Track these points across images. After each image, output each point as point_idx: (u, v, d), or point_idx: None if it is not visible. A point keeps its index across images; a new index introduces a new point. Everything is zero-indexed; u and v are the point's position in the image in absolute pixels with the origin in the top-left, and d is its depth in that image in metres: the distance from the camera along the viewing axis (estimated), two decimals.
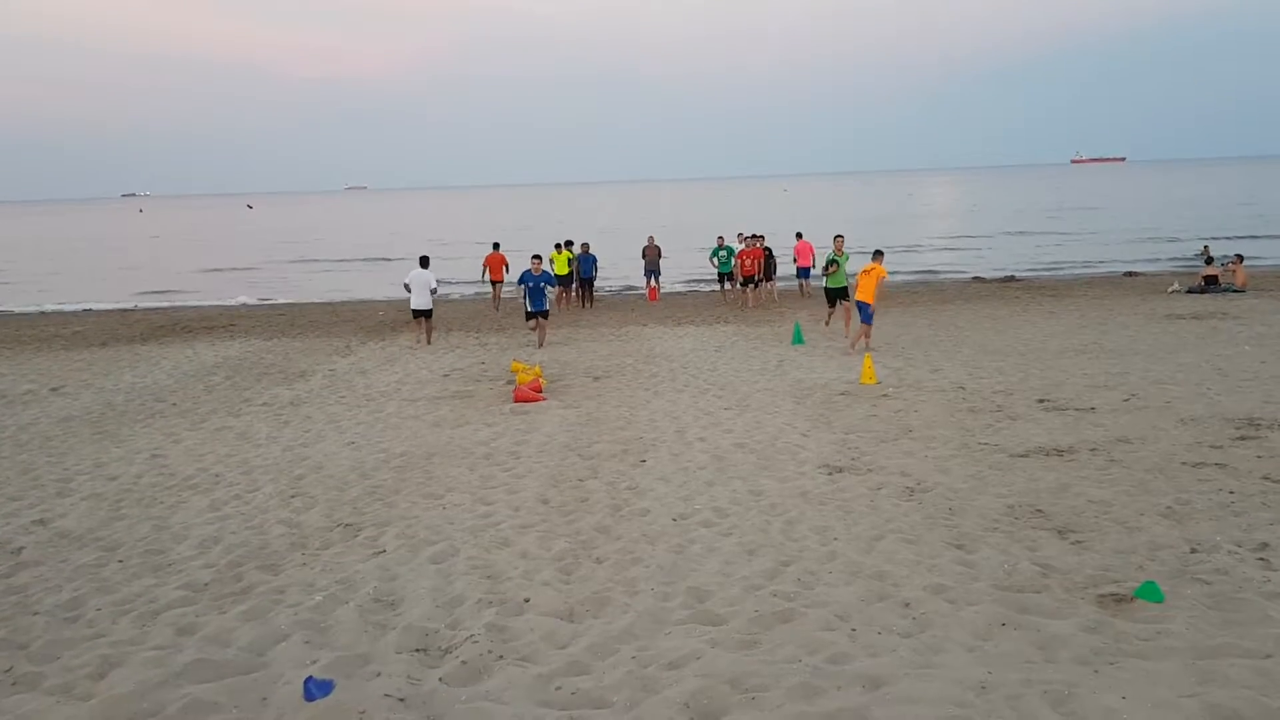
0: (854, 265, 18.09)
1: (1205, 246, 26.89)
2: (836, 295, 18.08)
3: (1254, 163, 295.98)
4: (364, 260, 47.71)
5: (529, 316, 17.62)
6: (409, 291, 18.70)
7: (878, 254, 16.71)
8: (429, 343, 18.71)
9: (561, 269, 25.06)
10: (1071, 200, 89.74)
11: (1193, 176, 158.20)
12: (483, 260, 25.30)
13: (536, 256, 17.96)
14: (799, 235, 26.73)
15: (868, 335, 16.28)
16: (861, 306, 16.03)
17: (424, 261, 19.13)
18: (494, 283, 24.94)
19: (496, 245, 25.57)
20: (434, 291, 18.71)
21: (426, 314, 18.65)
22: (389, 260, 46.53)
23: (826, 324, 18.81)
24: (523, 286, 17.50)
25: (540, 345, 17.43)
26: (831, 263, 17.85)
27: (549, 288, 17.65)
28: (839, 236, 18.60)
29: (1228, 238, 39.31)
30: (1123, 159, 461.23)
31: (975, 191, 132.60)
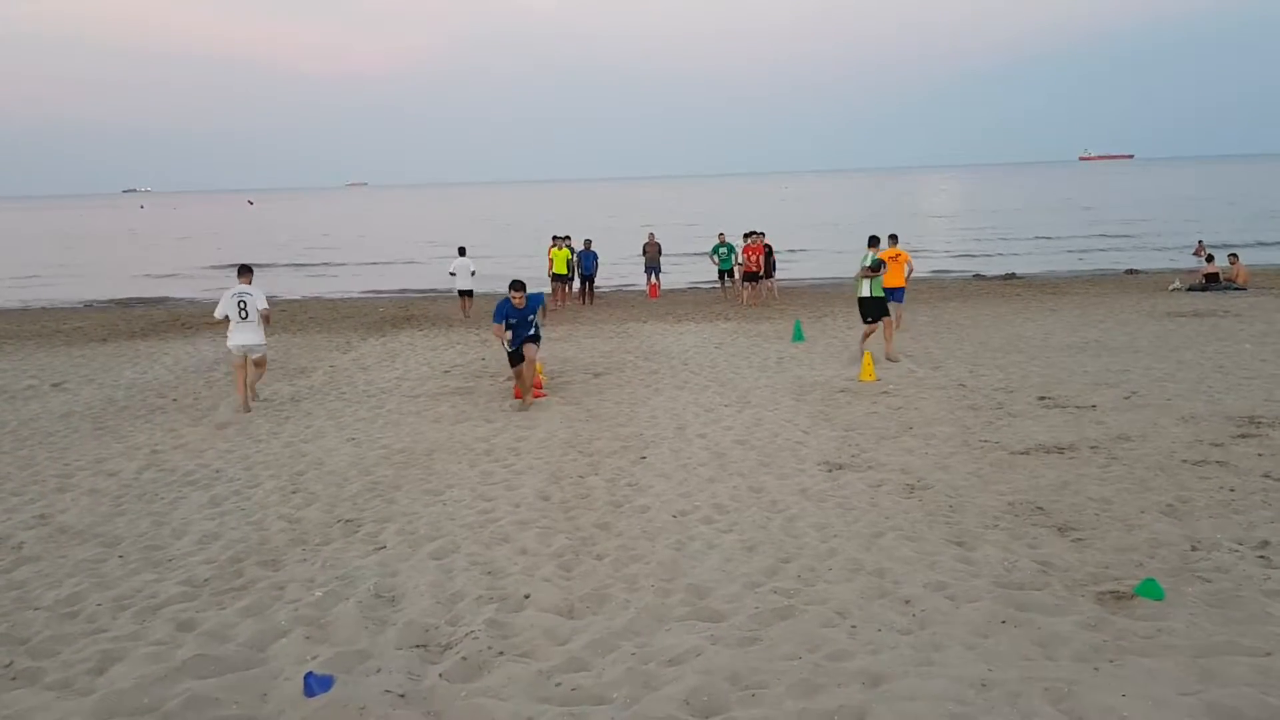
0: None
1: (1200, 242, 26.88)
2: (876, 306, 14.73)
3: (1263, 160, 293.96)
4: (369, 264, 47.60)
5: (516, 360, 12.32)
6: (454, 276, 22.97)
7: (893, 238, 17.53)
8: (467, 316, 22.32)
9: (560, 268, 24.73)
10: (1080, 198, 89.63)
11: (1201, 174, 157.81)
12: (548, 253, 25.70)
13: (517, 286, 12.15)
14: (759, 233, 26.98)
15: (899, 316, 17.04)
16: (897, 292, 16.84)
17: (462, 251, 23.43)
18: (556, 277, 24.92)
19: (556, 239, 25.55)
20: (473, 274, 22.92)
21: (469, 294, 22.86)
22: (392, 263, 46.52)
23: (862, 342, 15.06)
24: (502, 325, 12.19)
25: (530, 395, 12.26)
26: (878, 265, 14.67)
27: (539, 313, 12.52)
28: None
29: (1248, 245, 38.85)
30: (1131, 156, 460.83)
31: (974, 188, 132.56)
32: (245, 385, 12.40)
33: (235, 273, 12.83)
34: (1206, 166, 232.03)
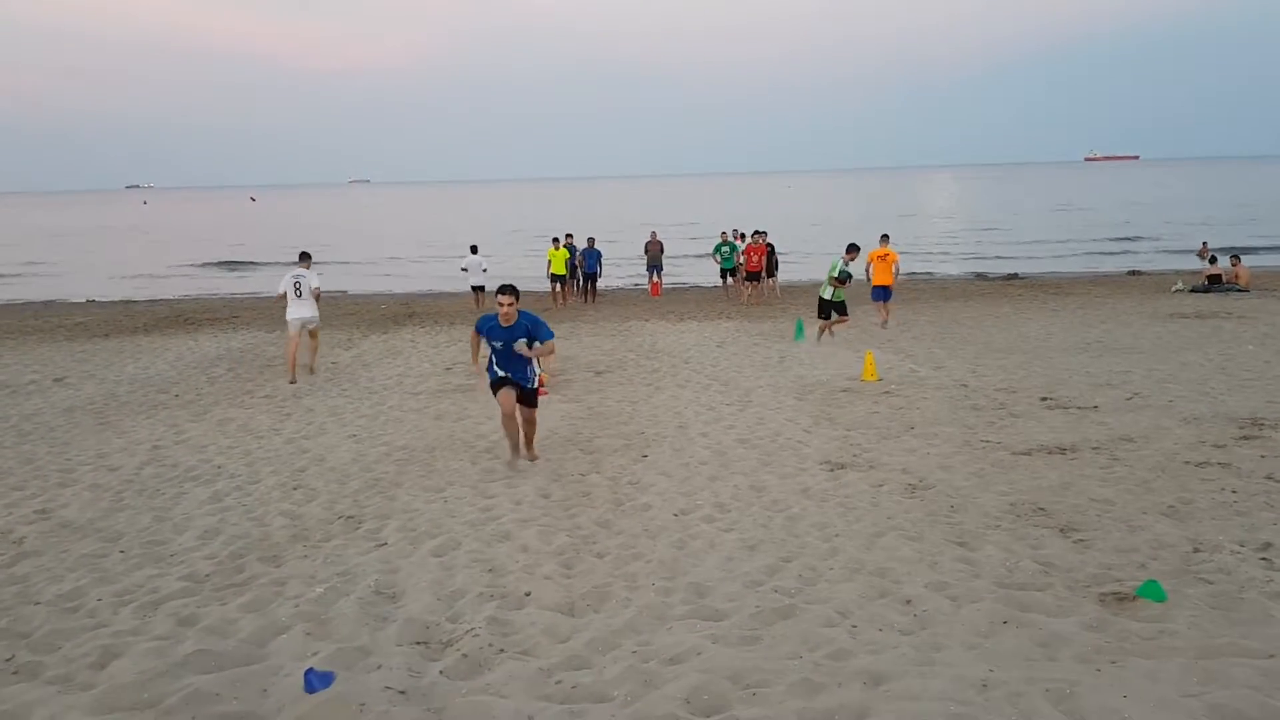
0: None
1: (1205, 243, 26.80)
2: (834, 309, 16.45)
3: (1271, 162, 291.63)
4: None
5: (498, 384, 9.13)
6: (466, 272, 24.19)
7: (884, 238, 19.27)
8: (481, 307, 23.05)
9: (558, 269, 24.67)
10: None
11: (1208, 175, 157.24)
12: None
13: (507, 291, 8.80)
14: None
15: (888, 313, 18.75)
16: (885, 290, 18.59)
17: (474, 249, 24.50)
18: (554, 277, 24.81)
19: (556, 240, 25.50)
20: (485, 271, 23.92)
21: (481, 289, 23.74)
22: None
23: (819, 337, 16.79)
24: (486, 343, 9.22)
25: (529, 450, 9.42)
26: (846, 277, 16.22)
27: (537, 346, 8.92)
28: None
29: (1267, 249, 38.56)
30: (1136, 157, 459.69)
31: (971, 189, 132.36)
32: (295, 356, 14.33)
33: (297, 257, 15.21)
34: (1213, 167, 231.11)
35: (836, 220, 63.84)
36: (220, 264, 43.89)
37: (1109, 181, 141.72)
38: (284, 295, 14.49)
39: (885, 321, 18.60)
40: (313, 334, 14.81)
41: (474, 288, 24.03)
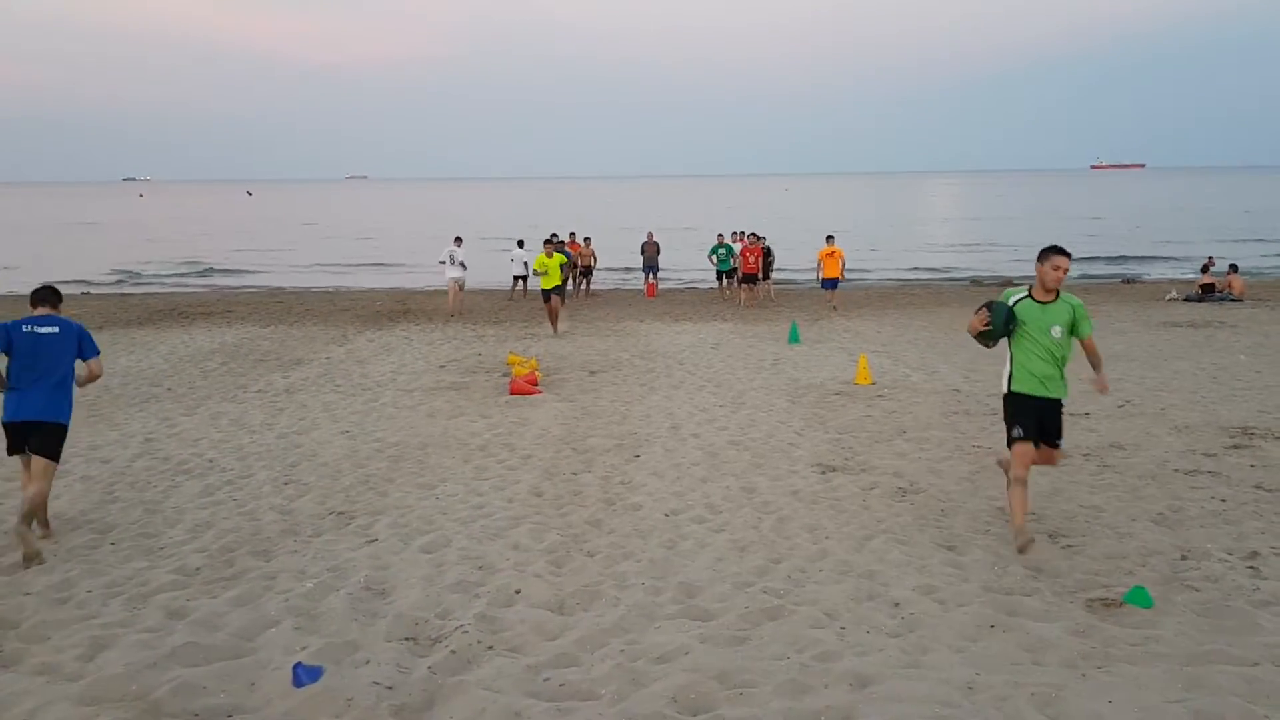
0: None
1: (1210, 259, 26.86)
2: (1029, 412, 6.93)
3: (1274, 172, 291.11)
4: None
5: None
6: (512, 263, 26.68)
7: (830, 239, 22.71)
8: (524, 296, 25.65)
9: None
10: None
11: (1214, 184, 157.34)
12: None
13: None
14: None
15: (837, 299, 22.38)
16: (834, 282, 22.28)
17: (520, 244, 27.07)
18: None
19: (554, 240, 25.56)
20: (526, 265, 25.48)
21: (524, 278, 25.98)
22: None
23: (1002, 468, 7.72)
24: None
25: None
26: (986, 331, 7.17)
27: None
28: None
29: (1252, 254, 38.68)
30: (1142, 165, 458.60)
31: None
32: (452, 303, 22.50)
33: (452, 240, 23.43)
34: (1218, 176, 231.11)
35: (833, 223, 63.88)
36: (217, 269, 42.87)
37: (1114, 190, 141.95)
38: (442, 262, 22.83)
39: (835, 305, 22.16)
40: (461, 287, 22.65)
41: (516, 277, 26.31)
